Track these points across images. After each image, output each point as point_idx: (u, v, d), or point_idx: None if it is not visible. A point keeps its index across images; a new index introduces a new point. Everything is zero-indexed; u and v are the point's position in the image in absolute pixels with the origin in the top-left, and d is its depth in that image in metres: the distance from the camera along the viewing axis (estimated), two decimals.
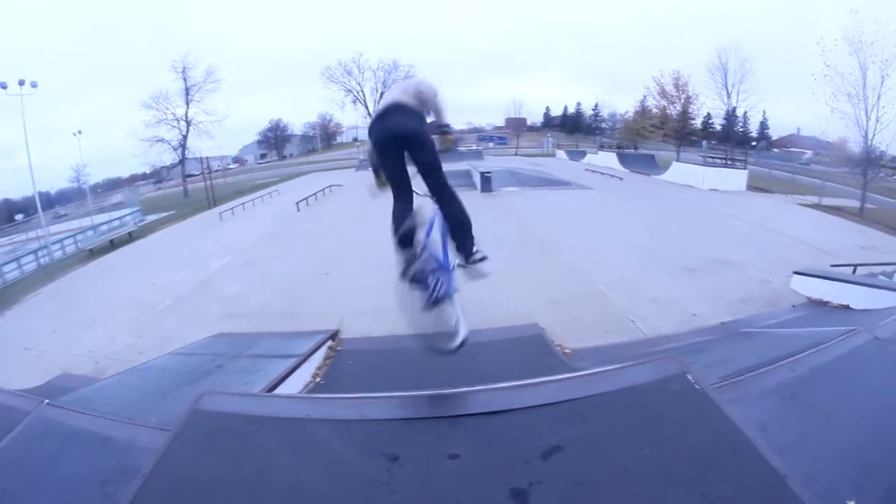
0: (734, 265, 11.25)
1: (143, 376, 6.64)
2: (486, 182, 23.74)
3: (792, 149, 52.19)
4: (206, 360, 6.98)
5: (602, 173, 31.96)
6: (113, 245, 23.00)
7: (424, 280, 3.42)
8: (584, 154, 46.39)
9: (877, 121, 25.33)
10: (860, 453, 2.64)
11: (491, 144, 63.30)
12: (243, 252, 15.55)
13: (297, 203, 23.46)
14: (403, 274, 3.38)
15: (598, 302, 9.07)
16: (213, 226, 22.88)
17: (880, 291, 7.38)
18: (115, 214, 32.61)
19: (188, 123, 47.41)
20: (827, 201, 23.19)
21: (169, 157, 49.03)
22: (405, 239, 3.35)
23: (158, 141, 46.88)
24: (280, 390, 5.45)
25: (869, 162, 25.46)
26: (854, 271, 9.77)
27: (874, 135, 25.53)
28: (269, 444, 2.58)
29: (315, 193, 25.90)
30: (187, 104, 47.29)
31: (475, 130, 69.83)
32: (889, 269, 10.11)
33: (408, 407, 2.77)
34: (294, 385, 5.87)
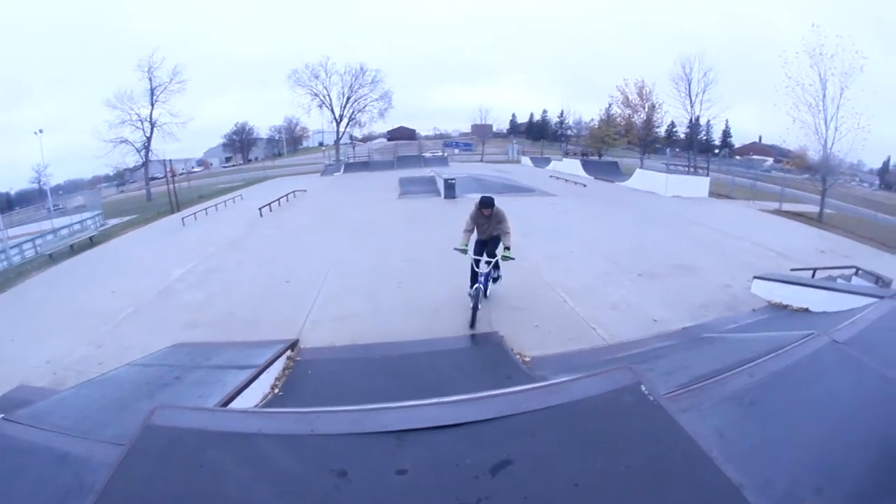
0: (696, 270, 11.37)
1: (102, 388, 6.45)
2: (450, 189, 23.14)
3: (753, 156, 53.59)
4: (164, 371, 6.81)
5: (566, 180, 32.14)
6: (73, 250, 22.42)
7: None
8: (548, 161, 46.86)
9: (836, 130, 26.24)
10: (819, 457, 2.67)
11: (456, 151, 63.79)
12: (206, 259, 15.24)
13: (259, 209, 23.15)
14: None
15: (560, 309, 9.05)
16: (176, 231, 22.38)
17: (839, 294, 7.50)
18: (77, 218, 31.92)
19: (152, 125, 46.82)
20: (787, 207, 23.81)
21: (132, 160, 48.26)
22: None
23: (122, 142, 46.24)
24: (238, 402, 5.34)
25: (828, 169, 26.21)
26: (813, 275, 9.95)
27: (833, 143, 26.39)
28: (221, 460, 2.52)
29: (279, 199, 25.68)
30: (152, 105, 46.77)
31: (441, 136, 70.14)
32: (847, 272, 10.29)
33: (357, 421, 2.70)
34: (252, 396, 5.75)
